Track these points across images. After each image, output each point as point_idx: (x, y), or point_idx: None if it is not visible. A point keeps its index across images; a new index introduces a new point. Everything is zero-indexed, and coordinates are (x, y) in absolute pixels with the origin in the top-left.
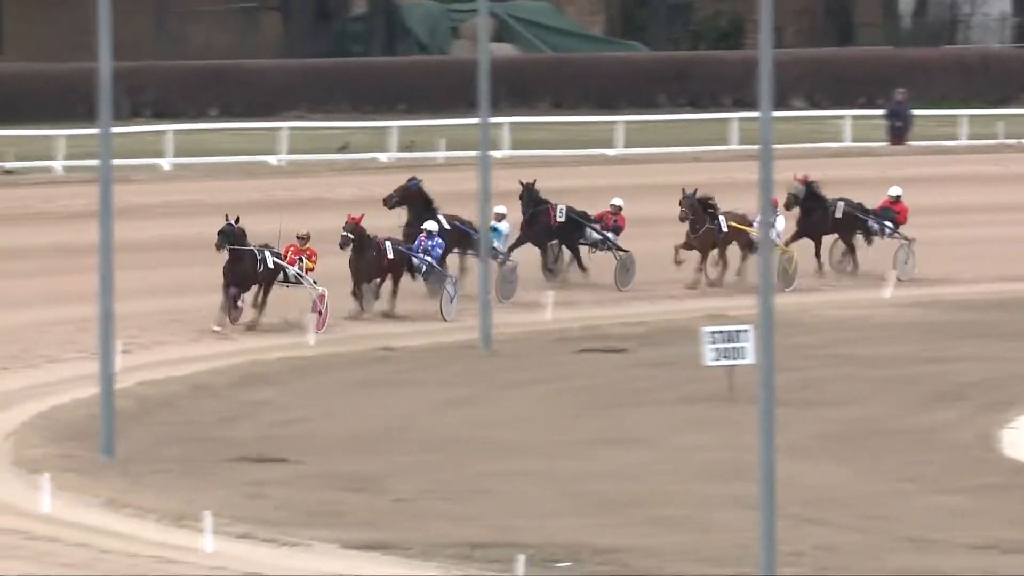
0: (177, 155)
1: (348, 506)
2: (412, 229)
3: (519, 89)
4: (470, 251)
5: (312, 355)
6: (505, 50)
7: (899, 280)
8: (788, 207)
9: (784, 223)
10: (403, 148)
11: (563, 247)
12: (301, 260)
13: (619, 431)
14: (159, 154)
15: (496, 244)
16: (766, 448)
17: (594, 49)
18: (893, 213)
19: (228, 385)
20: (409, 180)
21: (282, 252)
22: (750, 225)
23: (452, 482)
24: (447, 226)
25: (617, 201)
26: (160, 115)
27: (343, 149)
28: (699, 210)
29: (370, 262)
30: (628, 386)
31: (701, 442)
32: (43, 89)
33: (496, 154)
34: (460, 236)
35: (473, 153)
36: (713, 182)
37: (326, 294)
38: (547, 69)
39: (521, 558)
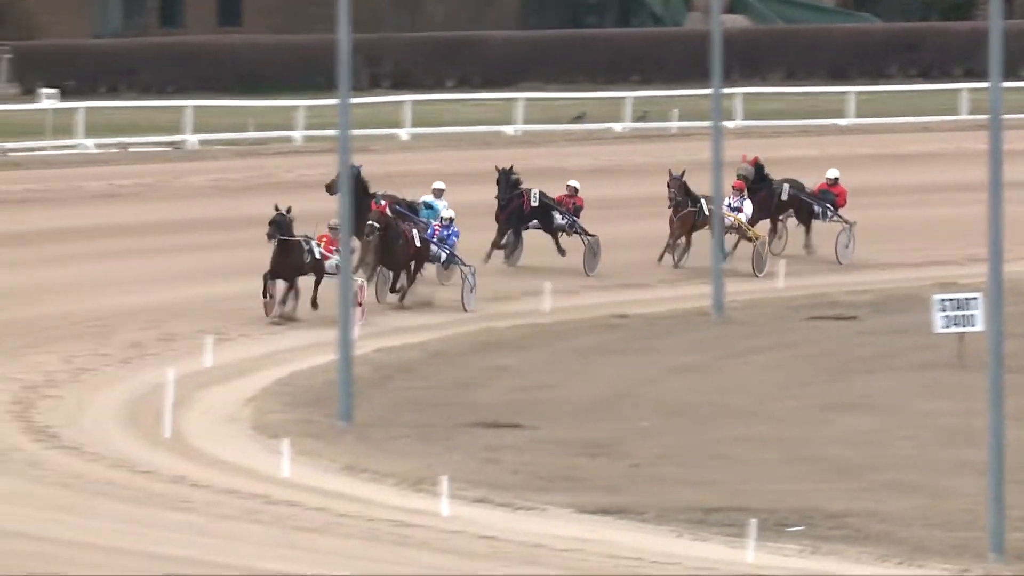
0: (415, 125)
1: (583, 471)
2: (356, 215)
3: (751, 60)
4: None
5: (546, 323)
6: (738, 21)
7: (840, 264)
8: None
9: (751, 207)
10: (637, 118)
11: (516, 235)
12: (337, 251)
13: (851, 397)
14: (397, 124)
15: (434, 222)
16: (995, 414)
17: (826, 20)
18: (832, 196)
19: (464, 352)
20: (351, 167)
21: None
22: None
23: (686, 447)
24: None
25: (573, 183)
26: (398, 86)
27: (578, 119)
28: (684, 192)
29: (397, 251)
30: (859, 353)
31: (932, 408)
32: (283, 60)
33: (728, 124)
34: (399, 216)
35: (706, 123)
36: (943, 152)
37: (365, 286)
38: (779, 40)
39: (753, 522)
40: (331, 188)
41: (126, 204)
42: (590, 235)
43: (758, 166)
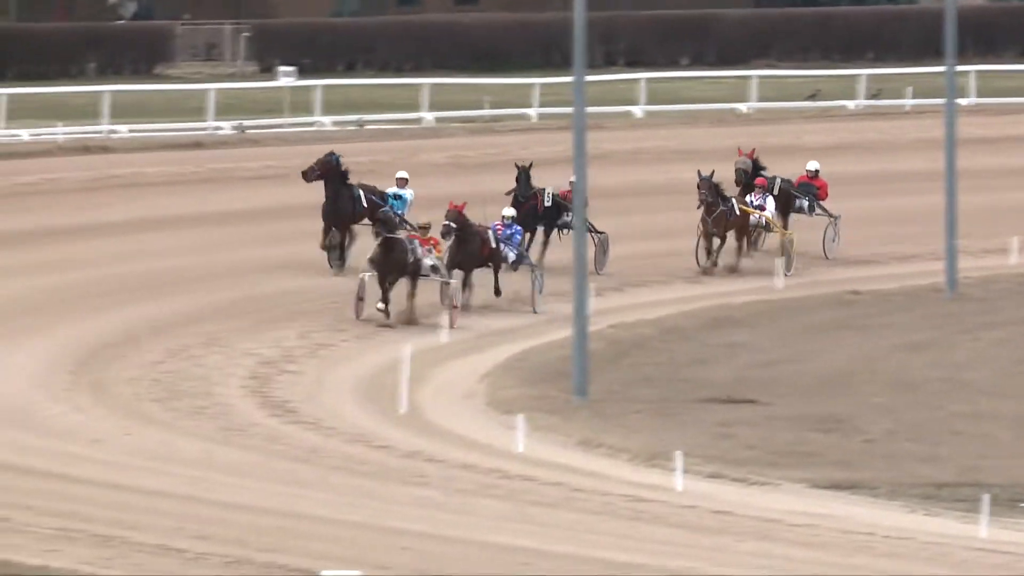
0: (649, 103)
1: (817, 446)
2: (332, 205)
3: (986, 37)
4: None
5: (779, 299)
6: None
7: (826, 258)
8: (737, 183)
9: (774, 204)
10: (870, 96)
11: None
12: (429, 251)
13: None
14: (631, 102)
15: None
16: None
17: None
18: (814, 189)
19: (699, 327)
20: (328, 154)
21: None
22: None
23: (920, 423)
24: (363, 199)
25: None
26: (633, 63)
27: (813, 97)
28: (716, 193)
29: (472, 253)
30: None
31: None
32: (518, 38)
33: (962, 102)
34: (374, 207)
35: (939, 101)
36: None
37: (458, 286)
38: (1014, 18)
39: (986, 497)
40: (307, 175)
41: (364, 181)
42: (599, 232)
43: (755, 159)
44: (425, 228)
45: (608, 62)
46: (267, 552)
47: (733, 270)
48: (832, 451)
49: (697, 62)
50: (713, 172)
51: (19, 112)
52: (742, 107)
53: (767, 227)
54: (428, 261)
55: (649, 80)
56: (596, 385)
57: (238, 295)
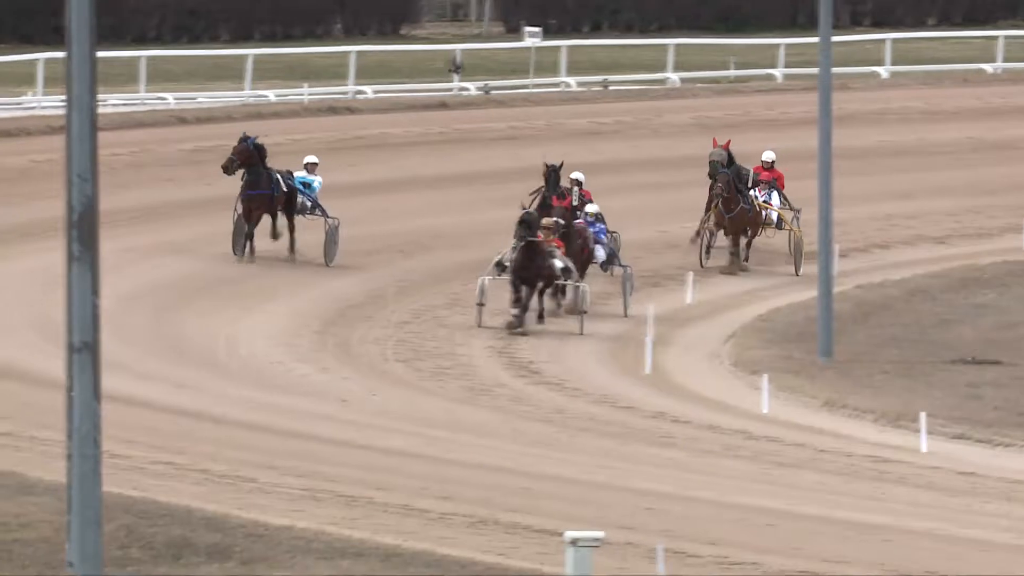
0: (894, 63)
1: None
2: (252, 191)
3: None
4: (310, 212)
5: None
6: None
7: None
8: (711, 175)
9: (779, 199)
10: None
11: None
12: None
13: None
14: (877, 62)
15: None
16: None
17: None
18: (772, 181)
19: (944, 288)
20: (242, 139)
21: None
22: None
23: None
24: (283, 184)
25: (577, 175)
26: (879, 24)
27: None
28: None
29: (575, 253)
30: None
31: None
32: None
33: None
34: (293, 192)
35: None
36: None
37: (587, 290)
38: None
39: None
40: (228, 169)
41: (607, 141)
42: (611, 231)
43: (728, 150)
44: (550, 229)
45: (854, 22)
46: (511, 512)
47: (732, 273)
48: None
49: (944, 22)
50: (730, 159)
51: (265, 73)
52: (988, 67)
53: (779, 224)
54: (559, 263)
55: (895, 40)
56: (841, 346)
57: (482, 256)
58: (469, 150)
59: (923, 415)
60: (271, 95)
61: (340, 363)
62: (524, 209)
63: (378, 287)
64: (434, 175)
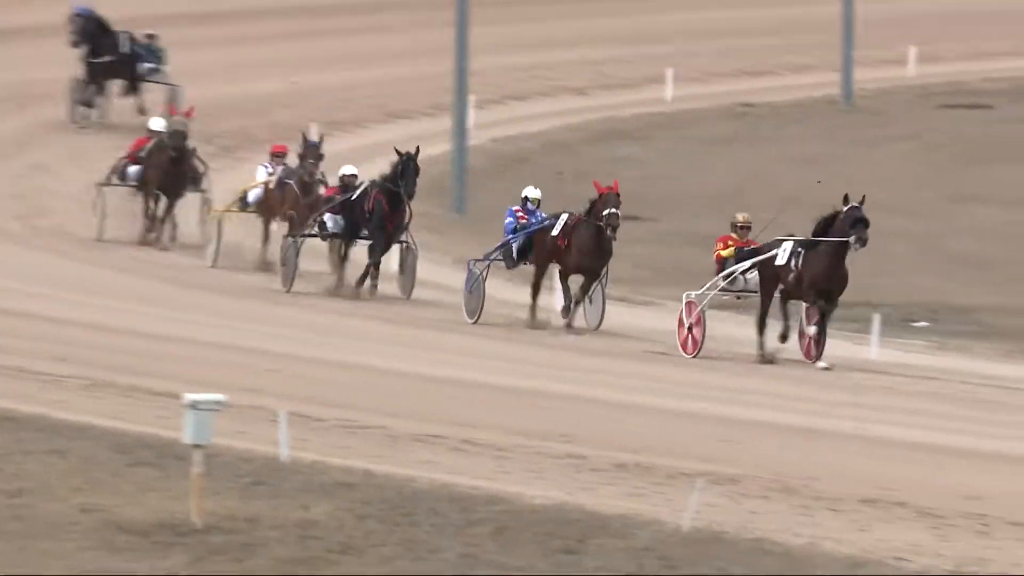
0: None
1: (700, 264)
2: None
3: None
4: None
5: (669, 111)
6: None
7: None
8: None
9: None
10: None
11: None
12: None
13: (985, 189)
14: None
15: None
16: None
17: None
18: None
19: (584, 141)
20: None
21: (715, 248)
22: None
23: None
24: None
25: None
26: None
27: None
28: None
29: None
30: (994, 143)
31: None
32: None
33: None
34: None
35: None
36: None
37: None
38: None
39: (876, 317)
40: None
41: None
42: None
43: None
44: (744, 227)
45: None
46: (129, 375)
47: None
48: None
49: None
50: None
51: None
52: None
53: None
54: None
55: None
56: (475, 202)
57: None
58: None
59: (557, 269)
60: None
61: None
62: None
63: None
64: None
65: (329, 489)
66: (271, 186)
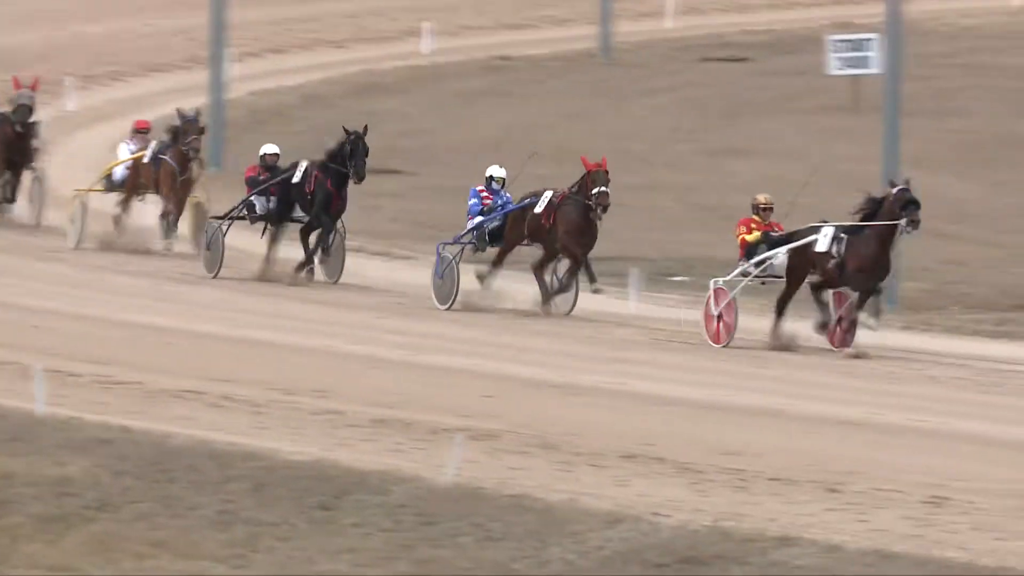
0: None
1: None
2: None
3: None
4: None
5: (427, 64)
6: None
7: None
8: None
9: None
10: None
11: None
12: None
13: (746, 141)
14: None
15: None
16: (889, 159)
17: None
18: None
19: (343, 95)
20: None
21: (738, 232)
22: None
23: None
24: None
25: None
26: None
27: None
28: None
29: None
30: (753, 96)
31: (829, 152)
32: None
33: None
34: None
35: None
36: None
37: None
38: None
39: (635, 272)
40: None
41: None
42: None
43: None
44: (766, 208)
45: None
46: None
47: None
48: None
49: None
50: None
51: None
52: None
53: None
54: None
55: None
56: (232, 156)
57: None
58: None
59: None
60: None
61: None
62: None
63: None
64: None
65: (85, 445)
66: (145, 160)
